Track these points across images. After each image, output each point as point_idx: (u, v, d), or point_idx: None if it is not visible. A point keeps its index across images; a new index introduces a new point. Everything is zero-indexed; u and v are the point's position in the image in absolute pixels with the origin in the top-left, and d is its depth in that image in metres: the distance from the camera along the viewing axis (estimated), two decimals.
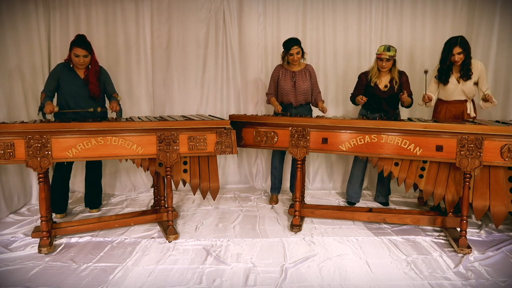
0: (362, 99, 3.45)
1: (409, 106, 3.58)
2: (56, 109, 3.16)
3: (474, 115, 3.51)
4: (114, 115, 3.40)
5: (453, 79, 3.42)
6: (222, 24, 4.38)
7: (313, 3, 4.36)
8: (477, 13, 4.05)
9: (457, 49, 3.30)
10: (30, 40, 3.83)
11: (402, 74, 3.61)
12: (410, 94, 3.61)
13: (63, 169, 3.45)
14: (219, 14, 4.36)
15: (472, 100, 3.51)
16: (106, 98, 3.52)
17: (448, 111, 3.49)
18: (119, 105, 3.38)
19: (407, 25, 4.33)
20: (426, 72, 3.34)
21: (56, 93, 3.32)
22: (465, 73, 3.37)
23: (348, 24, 4.37)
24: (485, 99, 3.34)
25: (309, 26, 4.39)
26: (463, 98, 3.46)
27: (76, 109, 3.27)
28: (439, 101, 3.56)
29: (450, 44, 3.34)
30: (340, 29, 4.39)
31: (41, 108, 3.15)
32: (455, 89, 3.43)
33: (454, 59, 3.32)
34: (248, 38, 4.41)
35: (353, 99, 3.69)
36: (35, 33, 3.88)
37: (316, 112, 3.99)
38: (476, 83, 3.41)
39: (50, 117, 3.32)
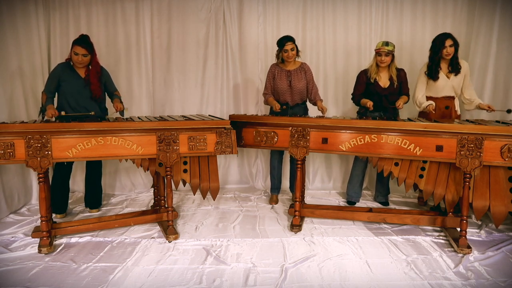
0: (370, 106, 3.45)
1: (405, 103, 3.59)
2: (56, 113, 3.08)
3: (459, 113, 3.57)
4: (117, 114, 3.39)
5: (442, 75, 3.47)
6: (222, 24, 4.38)
7: (313, 3, 4.36)
8: (477, 13, 4.05)
9: (449, 41, 3.37)
10: (30, 40, 3.83)
11: (400, 70, 3.62)
12: (407, 92, 3.62)
13: (63, 169, 3.45)
14: (219, 14, 4.36)
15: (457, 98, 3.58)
16: (106, 97, 3.52)
17: (437, 108, 3.49)
18: (122, 102, 3.37)
19: (407, 25, 4.33)
20: (510, 111, 3.32)
21: (56, 93, 3.32)
22: (455, 67, 3.44)
23: (348, 24, 4.38)
24: (482, 109, 3.41)
25: (309, 26, 4.40)
26: (452, 94, 3.51)
27: (76, 108, 3.27)
28: (428, 98, 3.55)
29: (442, 37, 3.40)
30: (340, 29, 4.39)
31: (42, 110, 3.13)
32: (445, 84, 3.47)
33: (447, 51, 3.38)
34: (248, 38, 4.41)
35: (356, 100, 3.68)
36: (35, 33, 3.89)
37: (312, 110, 3.99)
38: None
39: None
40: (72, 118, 3.04)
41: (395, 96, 3.59)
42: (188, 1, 4.31)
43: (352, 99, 3.74)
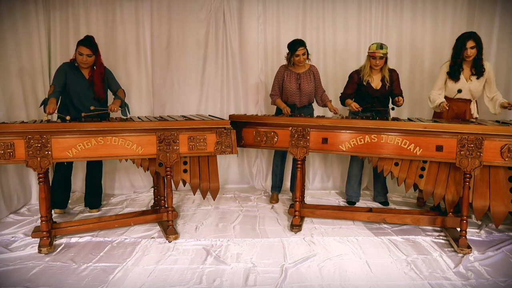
0: (356, 107, 3.47)
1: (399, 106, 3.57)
2: (53, 110, 3.01)
3: (477, 116, 3.47)
4: (116, 114, 3.38)
5: (462, 77, 3.34)
6: (222, 24, 4.37)
7: (313, 3, 4.36)
8: (477, 13, 4.05)
9: (470, 43, 3.21)
10: (30, 40, 3.83)
11: (392, 71, 3.61)
12: (400, 93, 3.61)
13: (64, 168, 3.45)
14: (219, 14, 4.35)
15: (476, 101, 3.46)
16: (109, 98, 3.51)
17: (450, 110, 3.40)
18: (123, 101, 3.34)
19: (407, 25, 4.33)
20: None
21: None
22: (478, 70, 3.29)
23: (348, 24, 4.37)
24: (504, 107, 3.26)
25: (309, 26, 4.39)
26: (468, 97, 3.40)
27: (80, 108, 3.26)
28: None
29: (464, 38, 3.25)
30: (340, 29, 4.39)
31: (44, 102, 3.08)
32: (462, 87, 3.34)
33: (467, 53, 3.23)
34: (248, 38, 4.41)
35: (343, 99, 3.67)
36: (35, 33, 3.88)
37: (318, 111, 3.99)
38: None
39: (52, 116, 3.28)
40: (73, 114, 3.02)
41: (386, 98, 3.59)
42: (188, 1, 4.30)
43: (340, 98, 3.73)
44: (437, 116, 3.54)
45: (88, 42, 3.22)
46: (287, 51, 3.66)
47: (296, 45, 3.58)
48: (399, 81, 3.63)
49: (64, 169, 3.46)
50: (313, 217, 3.45)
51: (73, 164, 3.61)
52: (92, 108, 3.16)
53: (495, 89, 3.39)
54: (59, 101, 3.30)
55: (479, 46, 3.24)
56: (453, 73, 3.34)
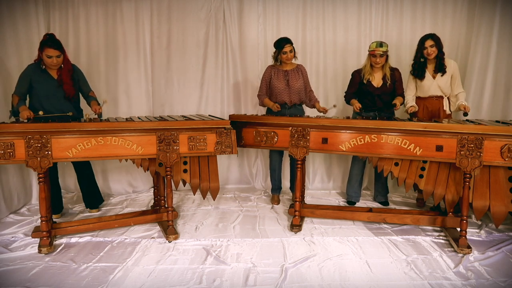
0: (357, 107, 3.52)
1: (401, 104, 3.60)
2: (32, 115, 2.99)
3: (450, 113, 3.58)
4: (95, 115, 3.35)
5: (428, 75, 3.52)
6: (222, 24, 4.38)
7: (313, 3, 4.36)
8: (477, 13, 4.05)
9: (429, 42, 3.44)
10: (30, 40, 3.83)
11: (394, 70, 3.62)
12: (401, 92, 3.63)
13: (50, 169, 3.35)
14: (219, 14, 4.36)
15: (448, 97, 3.59)
16: (81, 98, 3.45)
17: (425, 108, 3.57)
18: (99, 104, 3.32)
19: (407, 25, 4.33)
20: (466, 114, 3.34)
21: (28, 95, 3.22)
22: (440, 67, 3.48)
23: (348, 24, 4.38)
24: (460, 109, 3.42)
25: (309, 26, 4.40)
26: (439, 93, 3.54)
27: (51, 110, 3.17)
28: (416, 98, 3.61)
29: (423, 38, 3.49)
30: (340, 29, 4.39)
31: (14, 113, 3.03)
32: (431, 84, 3.51)
33: (427, 52, 3.44)
34: (248, 38, 4.41)
35: (348, 99, 3.72)
36: (35, 33, 3.88)
37: (311, 112, 3.98)
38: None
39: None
40: (51, 119, 2.93)
41: (388, 96, 3.60)
42: (188, 1, 4.30)
43: (344, 97, 3.77)
44: (413, 114, 3.63)
45: (54, 42, 3.10)
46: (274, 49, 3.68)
47: (282, 42, 3.63)
48: (401, 80, 3.65)
49: (50, 172, 3.27)
50: (313, 217, 3.45)
51: (57, 167, 3.54)
52: (70, 113, 3.12)
53: (460, 86, 3.55)
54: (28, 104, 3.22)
55: (438, 45, 3.45)
56: (414, 71, 3.56)
